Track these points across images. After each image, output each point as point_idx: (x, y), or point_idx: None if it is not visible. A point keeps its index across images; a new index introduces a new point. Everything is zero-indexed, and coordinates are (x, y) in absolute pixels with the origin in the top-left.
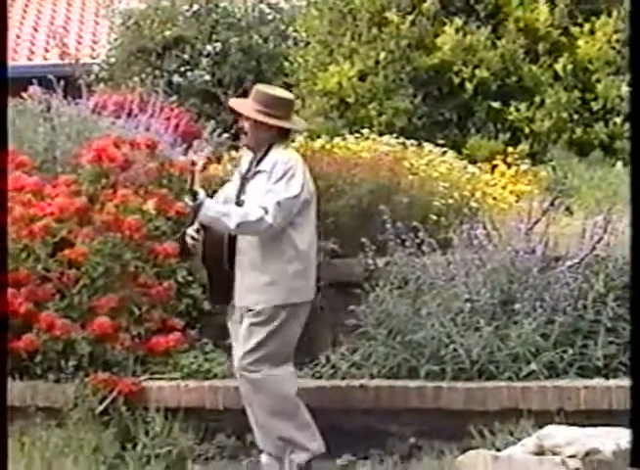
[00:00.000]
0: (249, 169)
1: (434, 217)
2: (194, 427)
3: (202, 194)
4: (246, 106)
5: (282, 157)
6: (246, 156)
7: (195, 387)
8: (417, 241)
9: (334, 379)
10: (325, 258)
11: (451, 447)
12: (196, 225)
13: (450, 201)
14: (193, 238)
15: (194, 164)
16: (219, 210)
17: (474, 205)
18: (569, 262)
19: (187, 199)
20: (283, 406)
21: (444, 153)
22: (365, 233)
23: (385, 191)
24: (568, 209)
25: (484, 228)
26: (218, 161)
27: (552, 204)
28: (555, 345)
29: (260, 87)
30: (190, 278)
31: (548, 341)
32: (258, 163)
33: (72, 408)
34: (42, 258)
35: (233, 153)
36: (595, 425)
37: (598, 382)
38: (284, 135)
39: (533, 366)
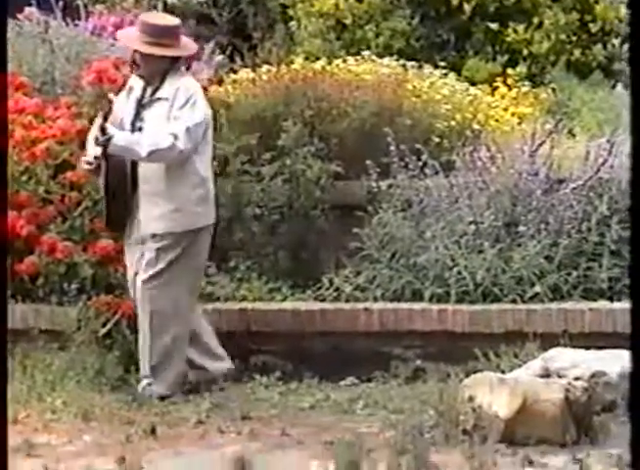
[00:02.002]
0: (142, 97)
1: (437, 140)
2: None
3: (111, 128)
4: (133, 38)
5: (182, 84)
6: (136, 83)
7: None
8: (420, 163)
9: (337, 302)
10: (328, 181)
11: (456, 370)
12: (95, 152)
13: (453, 123)
14: (88, 163)
15: (110, 101)
16: (130, 139)
17: (476, 127)
18: (572, 185)
19: (97, 134)
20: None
21: (445, 75)
22: (368, 155)
23: (387, 113)
24: (570, 131)
25: (488, 151)
26: (219, 83)
27: (556, 125)
28: (559, 267)
29: (144, 17)
30: None
31: (552, 263)
32: (154, 91)
33: (75, 331)
34: (44, 181)
35: (232, 75)
36: (600, 348)
37: (602, 304)
38: (177, 62)
39: (538, 289)
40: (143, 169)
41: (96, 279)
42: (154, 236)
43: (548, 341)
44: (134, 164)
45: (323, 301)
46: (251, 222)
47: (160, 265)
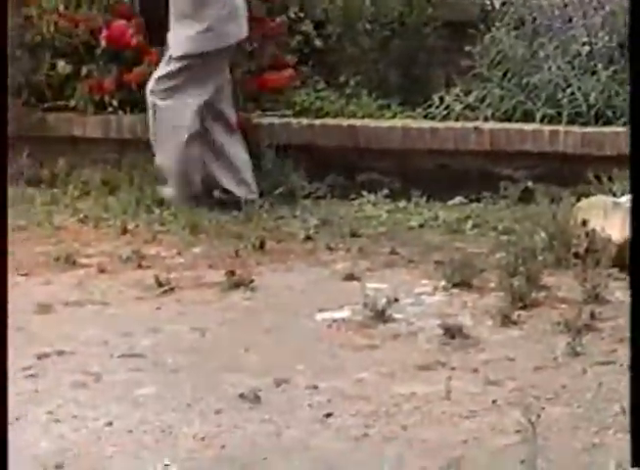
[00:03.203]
0: None
1: None
2: (305, 165)
3: None
4: None
5: None
6: None
7: (307, 125)
8: None
9: (447, 120)
10: None
11: (566, 193)
12: None
13: None
14: None
15: None
16: None
17: None
18: None
19: None
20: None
21: None
22: None
23: None
24: None
25: None
26: None
27: None
28: None
29: None
30: (302, 14)
31: None
32: None
33: None
34: None
35: None
36: None
37: None
38: None
39: None
40: None
41: None
42: (183, 57)
43: None
44: None
45: (433, 119)
46: (361, 38)
47: (179, 80)
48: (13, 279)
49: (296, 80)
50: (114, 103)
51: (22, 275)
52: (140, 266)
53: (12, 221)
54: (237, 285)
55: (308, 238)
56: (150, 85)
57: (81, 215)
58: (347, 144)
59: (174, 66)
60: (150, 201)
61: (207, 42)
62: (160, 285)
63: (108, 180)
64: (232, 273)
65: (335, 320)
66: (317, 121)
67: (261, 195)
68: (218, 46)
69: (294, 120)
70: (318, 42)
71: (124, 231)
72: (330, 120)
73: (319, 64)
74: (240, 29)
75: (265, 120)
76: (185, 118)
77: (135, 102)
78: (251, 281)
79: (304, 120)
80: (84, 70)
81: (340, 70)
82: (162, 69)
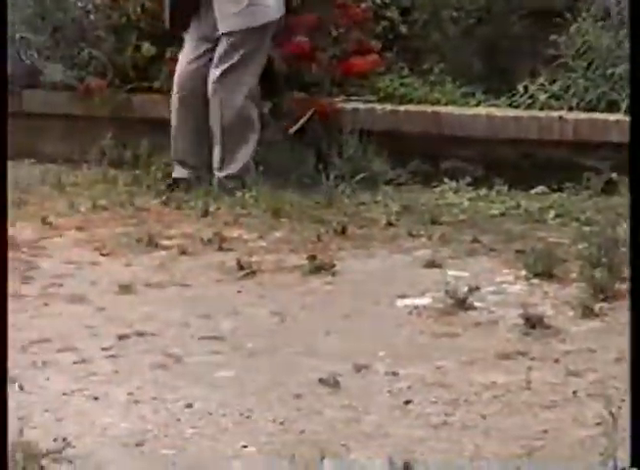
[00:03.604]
0: None
1: None
2: (387, 151)
3: None
4: None
5: None
6: None
7: (390, 111)
8: None
9: (531, 109)
10: None
11: None
12: None
13: None
14: None
15: None
16: None
17: None
18: None
19: None
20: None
21: None
22: None
23: None
24: None
25: None
26: None
27: None
28: None
29: None
30: (387, 0)
31: None
32: None
33: (265, 127)
34: None
35: None
36: None
37: None
38: None
39: None
40: None
41: (289, 76)
42: (230, 34)
43: None
44: None
45: (516, 108)
46: (446, 25)
47: (234, 60)
48: (94, 259)
49: (380, 66)
50: None
51: (104, 255)
52: (221, 249)
53: (94, 201)
54: (318, 269)
55: (390, 224)
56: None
57: (163, 197)
58: (431, 131)
59: (225, 44)
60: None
61: (252, 18)
62: (242, 268)
63: None
64: (313, 258)
65: (415, 307)
66: (401, 108)
67: (343, 179)
68: (263, 21)
69: (377, 106)
70: (403, 28)
71: (206, 213)
72: (413, 107)
73: (404, 50)
74: (280, 5)
75: (349, 105)
76: (238, 99)
77: None
78: (333, 266)
79: (388, 106)
80: (169, 53)
81: (424, 56)
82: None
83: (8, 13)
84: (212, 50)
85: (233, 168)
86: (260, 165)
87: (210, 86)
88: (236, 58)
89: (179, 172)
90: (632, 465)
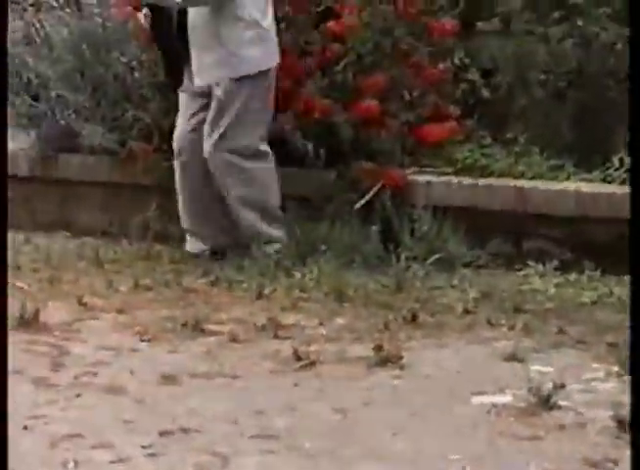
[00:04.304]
0: None
1: None
2: (465, 230)
3: None
4: None
5: None
6: None
7: (469, 184)
8: None
9: (627, 185)
10: (624, 47)
11: None
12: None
13: None
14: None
15: None
16: None
17: None
18: None
19: None
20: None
21: None
22: None
23: None
24: None
25: None
26: None
27: None
28: None
29: None
30: (467, 60)
31: None
32: None
33: (328, 200)
34: (304, 30)
35: None
36: None
37: None
38: None
39: None
40: (190, 18)
41: (356, 143)
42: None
43: None
44: (181, 14)
45: (610, 183)
46: (534, 89)
47: (226, 121)
48: (134, 345)
49: (458, 134)
50: None
51: (145, 341)
52: (276, 336)
53: (135, 280)
54: (384, 361)
55: (467, 311)
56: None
57: (212, 277)
58: (514, 207)
59: (214, 101)
60: (289, 262)
61: (231, 68)
62: (299, 358)
63: None
64: (379, 348)
65: (494, 405)
66: (481, 181)
67: (414, 260)
68: (246, 72)
69: (454, 179)
70: (485, 92)
71: (260, 295)
72: (495, 181)
73: (485, 116)
74: (269, 55)
75: (422, 178)
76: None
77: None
78: (401, 358)
79: (467, 179)
80: None
81: (508, 124)
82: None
83: (45, 68)
84: (208, 105)
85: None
86: (322, 243)
87: (207, 155)
88: (226, 118)
89: (193, 245)
90: (632, 468)
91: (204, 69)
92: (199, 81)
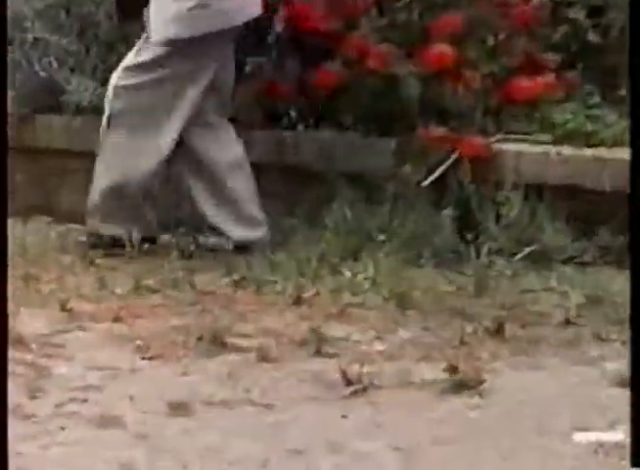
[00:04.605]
0: None
1: None
2: (566, 216)
3: None
4: None
5: None
6: None
7: (571, 156)
8: None
9: None
10: None
11: None
12: None
13: None
14: None
15: None
16: None
17: None
18: None
19: None
20: None
21: None
22: None
23: None
24: None
25: None
26: None
27: None
28: None
29: None
30: None
31: None
32: None
33: (389, 178)
34: None
35: None
36: None
37: None
38: None
39: None
40: None
41: (423, 102)
42: (166, 43)
43: None
44: None
45: None
46: None
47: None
48: (134, 364)
49: (558, 91)
50: None
51: (149, 359)
52: (319, 353)
53: (136, 280)
54: (460, 386)
55: (568, 322)
56: (114, 79)
57: (236, 276)
58: (623, 187)
59: (151, 53)
60: (334, 255)
61: (201, 22)
62: (349, 382)
63: None
64: (454, 369)
65: (601, 445)
66: (587, 152)
67: (500, 254)
68: (216, 28)
69: (552, 149)
70: (593, 36)
71: (298, 300)
72: (606, 152)
73: (593, 68)
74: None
75: (511, 148)
76: None
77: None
78: (482, 382)
79: (568, 150)
80: None
81: (623, 77)
82: (135, 56)
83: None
84: None
85: None
86: (380, 232)
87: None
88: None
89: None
90: (632, 465)
91: (163, 20)
92: (155, 35)
